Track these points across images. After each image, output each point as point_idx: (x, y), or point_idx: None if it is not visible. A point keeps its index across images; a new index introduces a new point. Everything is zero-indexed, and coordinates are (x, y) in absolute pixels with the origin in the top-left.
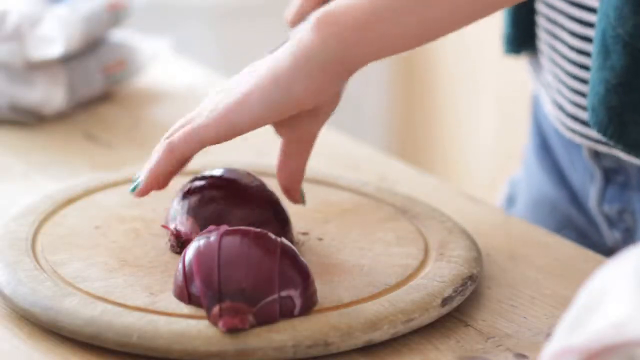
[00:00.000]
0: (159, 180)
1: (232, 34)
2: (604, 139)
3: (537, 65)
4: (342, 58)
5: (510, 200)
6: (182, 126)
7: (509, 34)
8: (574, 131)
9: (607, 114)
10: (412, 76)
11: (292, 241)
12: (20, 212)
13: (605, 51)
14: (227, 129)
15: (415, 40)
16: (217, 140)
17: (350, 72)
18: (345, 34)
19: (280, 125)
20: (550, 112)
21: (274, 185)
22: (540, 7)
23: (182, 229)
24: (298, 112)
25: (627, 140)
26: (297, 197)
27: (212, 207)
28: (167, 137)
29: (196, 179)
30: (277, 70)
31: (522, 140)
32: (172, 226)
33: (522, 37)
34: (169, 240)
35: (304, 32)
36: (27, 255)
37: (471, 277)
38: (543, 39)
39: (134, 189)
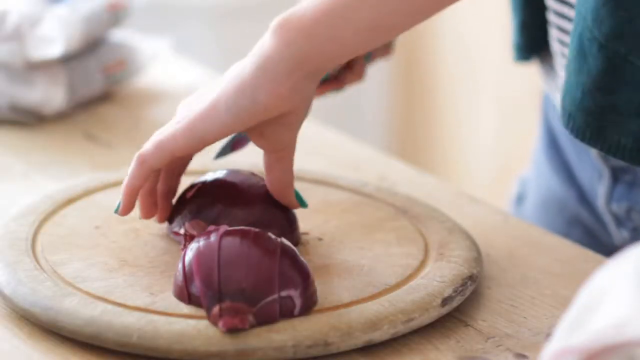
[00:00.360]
0: (135, 194)
1: (232, 34)
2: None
3: (549, 70)
4: (304, 61)
5: (520, 199)
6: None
7: (518, 41)
8: None
9: (584, 118)
10: (412, 76)
11: (298, 240)
12: (20, 212)
13: (582, 55)
14: (195, 138)
15: (373, 36)
16: (187, 150)
17: (315, 75)
18: (303, 37)
19: (254, 136)
20: None
21: None
22: (551, 17)
23: (194, 232)
24: (268, 120)
25: (605, 142)
26: (292, 201)
27: (219, 208)
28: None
29: (202, 181)
30: (241, 78)
31: (522, 140)
32: (181, 231)
33: (532, 44)
34: (183, 246)
35: (265, 39)
36: (27, 255)
37: (471, 277)
38: (555, 46)
39: (116, 210)
